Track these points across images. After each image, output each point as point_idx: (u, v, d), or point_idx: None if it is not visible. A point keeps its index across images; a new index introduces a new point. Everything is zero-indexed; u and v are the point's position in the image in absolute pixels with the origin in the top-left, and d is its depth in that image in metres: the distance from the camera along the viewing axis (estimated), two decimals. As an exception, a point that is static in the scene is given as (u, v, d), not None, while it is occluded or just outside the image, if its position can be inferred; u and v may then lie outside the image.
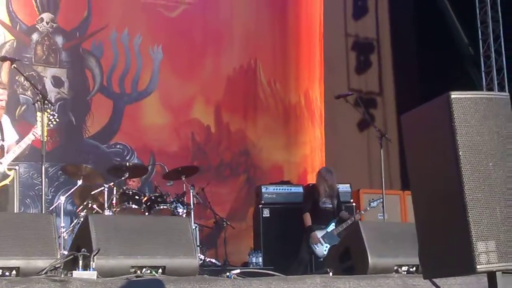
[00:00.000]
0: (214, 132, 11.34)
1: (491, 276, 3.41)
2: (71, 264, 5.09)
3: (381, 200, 8.31)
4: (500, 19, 11.73)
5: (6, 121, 6.74)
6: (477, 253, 3.25)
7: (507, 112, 3.56)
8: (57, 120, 6.75)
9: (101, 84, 10.54)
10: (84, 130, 10.26)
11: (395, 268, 5.98)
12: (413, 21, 13.29)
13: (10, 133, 6.75)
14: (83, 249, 5.07)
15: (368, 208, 8.87)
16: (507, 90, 11.27)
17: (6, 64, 9.08)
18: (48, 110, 6.70)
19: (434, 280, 3.70)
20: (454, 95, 3.45)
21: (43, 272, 4.86)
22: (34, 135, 6.51)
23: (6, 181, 6.54)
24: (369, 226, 6.18)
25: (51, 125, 6.70)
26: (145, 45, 10.92)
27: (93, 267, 4.98)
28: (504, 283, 3.42)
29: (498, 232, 3.31)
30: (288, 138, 12.07)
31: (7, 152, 6.60)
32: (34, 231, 5.11)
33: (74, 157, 9.68)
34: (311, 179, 10.96)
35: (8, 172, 6.54)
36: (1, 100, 6.59)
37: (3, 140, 6.61)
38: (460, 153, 3.37)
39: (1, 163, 6.47)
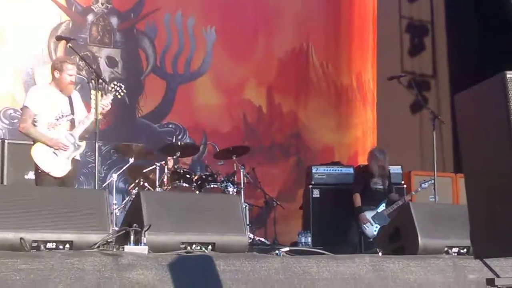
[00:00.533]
0: (266, 113, 11.37)
1: (544, 256, 3.37)
2: (122, 239, 5.15)
3: (432, 181, 8.21)
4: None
5: (77, 97, 6.86)
6: (531, 233, 3.21)
7: None
8: (124, 91, 6.85)
9: (154, 64, 10.64)
10: (137, 110, 10.38)
11: (446, 249, 5.92)
12: (467, 5, 13.07)
13: (80, 108, 6.87)
14: (134, 225, 5.12)
15: (419, 189, 8.80)
16: None
17: (62, 44, 9.21)
18: (114, 82, 6.84)
19: (486, 260, 3.67)
20: (510, 74, 3.40)
21: (95, 246, 4.93)
22: (102, 106, 6.60)
23: (78, 151, 6.67)
24: (420, 207, 6.13)
25: (119, 96, 6.80)
26: (198, 26, 10.99)
27: (144, 242, 5.04)
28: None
29: (553, 212, 3.27)
30: (340, 120, 12.04)
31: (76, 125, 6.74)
32: (88, 206, 5.19)
33: (127, 136, 9.80)
34: (362, 161, 10.90)
35: (79, 143, 6.67)
36: (71, 75, 6.67)
37: (73, 114, 6.72)
38: (515, 132, 3.33)
39: (72, 135, 6.59)
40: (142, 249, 4.94)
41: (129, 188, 8.56)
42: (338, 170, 9.82)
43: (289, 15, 11.82)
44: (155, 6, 10.69)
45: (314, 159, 11.12)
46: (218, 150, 9.09)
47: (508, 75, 3.39)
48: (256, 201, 9.82)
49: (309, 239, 8.94)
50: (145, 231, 5.06)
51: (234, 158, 8.96)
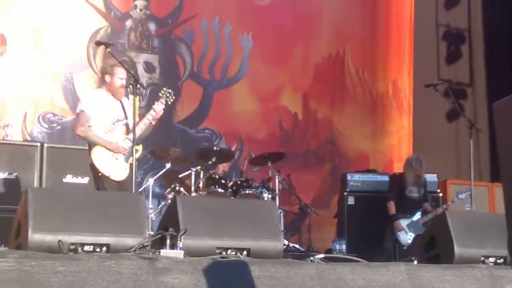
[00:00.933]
0: (301, 120, 11.38)
1: None
2: (159, 243, 5.18)
3: (470, 192, 8.15)
4: None
5: (127, 101, 6.93)
6: None
7: None
8: (174, 97, 6.94)
9: (191, 70, 10.72)
10: (174, 115, 10.45)
11: (482, 259, 5.86)
12: (506, 12, 12.95)
13: (131, 112, 6.93)
14: (170, 229, 5.15)
15: (456, 200, 8.74)
16: None
17: (101, 49, 9.33)
18: (164, 89, 6.92)
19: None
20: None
21: (132, 250, 4.97)
22: (155, 111, 6.70)
23: (136, 156, 6.64)
24: (456, 216, 6.08)
25: (169, 102, 6.89)
26: (235, 33, 11.05)
27: (180, 246, 5.06)
28: None
29: None
30: (375, 127, 12.00)
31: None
32: (124, 210, 5.23)
33: (163, 141, 9.85)
34: (397, 169, 10.86)
35: (137, 147, 6.67)
36: (122, 79, 6.74)
37: (126, 118, 6.78)
38: (554, 141, 3.29)
39: (129, 139, 6.64)
40: (178, 253, 4.96)
41: (165, 193, 8.62)
42: (373, 178, 9.79)
43: (326, 21, 11.84)
44: (193, 13, 10.77)
45: (349, 166, 11.11)
46: (253, 156, 9.11)
47: (548, 83, 3.36)
48: (290, 208, 9.83)
49: (344, 247, 8.92)
50: (181, 235, 5.07)
51: (269, 164, 8.98)
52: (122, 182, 6.58)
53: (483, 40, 13.00)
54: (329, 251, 9.05)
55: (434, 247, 6.05)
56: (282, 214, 8.76)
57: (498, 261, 5.90)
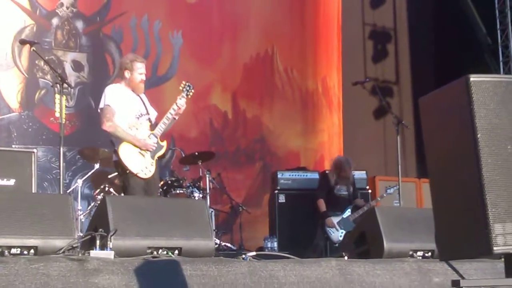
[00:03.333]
0: (231, 119, 11.38)
1: (508, 258, 3.41)
2: (88, 244, 5.10)
3: (398, 187, 8.30)
4: (519, 8, 11.65)
5: (144, 96, 6.87)
6: (494, 235, 3.25)
7: (526, 96, 3.55)
8: (193, 91, 6.88)
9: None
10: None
11: (410, 253, 5.96)
12: (430, 11, 13.23)
13: (151, 109, 6.89)
14: (100, 230, 5.08)
15: (385, 195, 8.88)
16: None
17: (26, 48, 9.13)
18: (184, 82, 6.88)
19: (451, 262, 3.71)
20: (473, 78, 3.45)
21: (60, 252, 4.87)
22: (177, 105, 6.69)
23: (162, 152, 6.71)
24: (385, 211, 6.16)
25: (189, 96, 6.86)
26: (165, 30, 10.97)
27: (110, 247, 5.00)
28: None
29: (515, 215, 3.31)
30: (305, 125, 12.09)
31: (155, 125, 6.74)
32: (52, 211, 5.12)
33: (93, 141, 9.68)
34: (329, 166, 10.94)
35: (162, 143, 6.68)
36: (141, 74, 6.67)
37: (148, 113, 6.72)
38: (478, 135, 3.37)
39: (154, 135, 6.61)
40: (108, 254, 4.89)
41: (94, 194, 8.50)
42: (304, 175, 9.87)
43: (254, 20, 11.86)
44: (121, 10, 10.64)
45: (280, 164, 11.16)
46: (183, 156, 9.07)
47: (471, 79, 3.43)
48: (222, 207, 9.83)
49: (275, 244, 8.96)
50: (111, 235, 5.01)
51: (200, 163, 8.95)
52: (148, 180, 6.53)
53: (408, 39, 13.25)
54: (260, 249, 9.07)
55: (364, 243, 6.12)
56: (213, 213, 8.76)
57: (426, 254, 6.01)
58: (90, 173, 8.55)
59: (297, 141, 11.91)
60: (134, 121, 6.60)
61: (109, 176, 8.34)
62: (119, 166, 6.54)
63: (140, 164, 6.50)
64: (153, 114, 6.88)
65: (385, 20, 13.21)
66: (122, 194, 7.92)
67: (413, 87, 13.05)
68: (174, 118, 6.77)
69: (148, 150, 6.54)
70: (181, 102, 6.73)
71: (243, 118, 11.53)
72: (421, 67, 12.98)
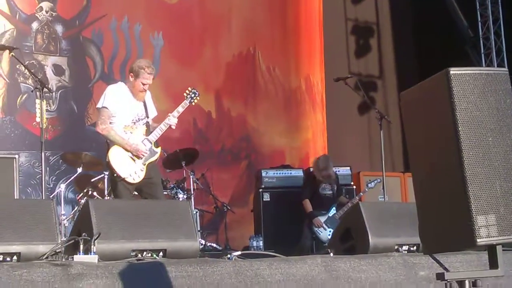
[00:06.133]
0: (215, 118, 11.35)
1: (492, 249, 3.40)
2: (72, 249, 5.08)
3: (379, 180, 8.31)
4: (499, 1, 11.67)
5: (149, 98, 6.79)
6: (477, 227, 3.24)
7: (506, 87, 3.55)
8: (198, 98, 6.92)
9: (102, 71, 10.54)
10: (86, 118, 10.27)
11: (396, 247, 5.98)
12: (412, 5, 13.26)
13: (152, 110, 6.83)
14: (84, 234, 5.05)
15: (367, 189, 8.89)
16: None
17: (6, 53, 9.06)
18: (189, 88, 6.88)
19: (435, 255, 3.70)
20: (453, 71, 3.44)
21: (44, 257, 4.85)
22: (178, 112, 6.70)
23: (154, 158, 6.66)
24: (370, 207, 6.18)
25: (193, 103, 6.91)
26: (145, 32, 10.93)
27: (94, 251, 4.97)
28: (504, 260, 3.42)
29: (498, 206, 3.31)
30: (289, 123, 12.08)
31: (152, 129, 6.71)
32: (34, 217, 5.09)
33: (76, 145, 9.70)
34: (314, 163, 10.98)
35: (156, 149, 6.62)
36: (145, 85, 6.59)
37: (148, 117, 6.68)
38: (459, 128, 3.37)
39: (148, 140, 6.56)
40: (92, 258, 4.87)
41: (78, 198, 8.44)
42: (288, 173, 9.86)
43: (235, 19, 11.84)
44: (101, 13, 10.60)
45: (265, 162, 11.15)
46: (165, 155, 9.02)
47: (451, 72, 3.42)
48: (207, 207, 9.79)
49: (261, 243, 8.96)
50: (95, 239, 4.98)
51: (183, 164, 8.91)
52: (137, 184, 6.50)
53: (391, 33, 13.27)
54: (246, 248, 9.06)
55: (350, 238, 6.13)
56: (198, 214, 8.73)
57: (412, 248, 6.02)
58: (73, 177, 8.49)
59: (281, 139, 11.90)
60: (130, 124, 6.56)
61: (92, 180, 8.31)
62: (109, 168, 6.53)
63: (129, 168, 6.47)
64: (153, 115, 6.83)
65: (367, 15, 13.22)
66: (108, 197, 7.94)
67: (398, 80, 13.07)
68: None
69: (138, 156, 6.49)
70: (181, 109, 6.73)
71: (228, 117, 11.51)
72: (405, 60, 13.01)
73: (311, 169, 9.64)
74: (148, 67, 6.60)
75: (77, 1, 10.55)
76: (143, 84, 6.59)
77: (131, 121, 6.57)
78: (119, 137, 6.47)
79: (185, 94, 6.85)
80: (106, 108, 6.48)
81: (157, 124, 6.73)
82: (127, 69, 10.55)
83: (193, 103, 6.91)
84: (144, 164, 6.54)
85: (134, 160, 6.50)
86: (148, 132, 6.66)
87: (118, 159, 6.44)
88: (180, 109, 6.74)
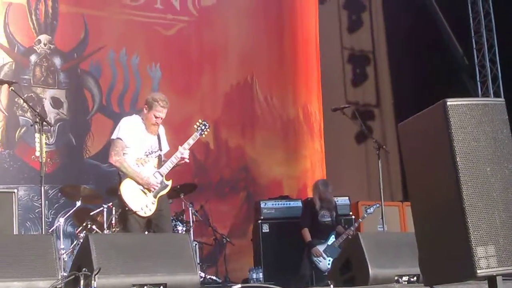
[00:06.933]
0: (213, 149, 11.33)
1: (492, 280, 3.41)
2: (72, 285, 5.07)
3: (378, 205, 8.28)
4: (494, 28, 11.74)
5: (162, 132, 6.82)
6: (477, 258, 3.26)
7: (503, 117, 3.58)
8: (208, 130, 6.93)
9: (100, 104, 10.55)
10: (85, 151, 10.26)
11: (396, 278, 5.95)
12: (408, 33, 13.32)
13: (165, 144, 6.84)
14: (84, 269, 5.05)
15: (366, 215, 8.84)
16: (502, 98, 11.22)
17: (5, 86, 9.10)
18: (200, 120, 6.89)
19: (436, 287, 3.70)
20: (450, 102, 3.47)
21: (44, 293, 4.84)
22: (189, 144, 6.72)
23: (165, 190, 6.66)
24: (369, 237, 6.16)
25: (203, 136, 6.95)
26: (143, 64, 10.95)
27: (95, 286, 4.96)
28: (504, 289, 3.42)
29: (497, 237, 3.33)
30: (287, 152, 12.06)
31: (163, 162, 6.71)
32: (34, 252, 5.09)
33: (75, 178, 9.67)
34: (312, 193, 10.94)
35: (167, 182, 6.63)
36: (158, 118, 6.61)
37: (161, 150, 6.69)
38: (457, 159, 3.39)
39: (159, 173, 6.58)
40: (93, 293, 4.86)
41: (77, 232, 8.41)
42: (287, 204, 9.83)
43: (232, 49, 11.87)
44: (99, 45, 10.62)
45: (263, 193, 11.10)
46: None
47: (448, 103, 3.46)
48: (206, 239, 9.73)
49: (261, 275, 8.89)
50: (95, 275, 4.98)
51: (182, 196, 8.90)
52: (148, 218, 6.49)
53: (387, 61, 13.32)
54: (246, 280, 9.00)
55: (350, 269, 6.10)
56: (197, 246, 8.70)
57: (412, 279, 5.99)
58: (72, 211, 8.47)
59: (279, 169, 11.87)
60: (143, 157, 6.58)
61: (91, 213, 8.28)
62: (120, 201, 6.52)
63: (141, 202, 6.48)
64: (166, 149, 6.85)
65: (363, 44, 13.28)
66: (107, 231, 7.91)
67: (395, 108, 13.09)
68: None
69: (149, 190, 6.49)
70: (192, 142, 6.75)
71: (226, 147, 11.50)
72: (402, 88, 13.03)
73: (310, 196, 9.62)
74: (162, 101, 6.62)
75: (75, 33, 10.56)
76: (156, 117, 6.60)
77: (143, 154, 6.59)
78: (132, 170, 6.48)
79: (195, 126, 6.87)
80: (121, 139, 6.50)
81: (167, 159, 6.73)
82: (125, 101, 10.69)
83: (204, 135, 6.94)
84: (155, 197, 6.55)
85: (146, 194, 6.50)
86: (160, 165, 6.66)
87: (130, 193, 6.45)
88: (191, 141, 6.76)
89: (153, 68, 11.05)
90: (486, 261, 3.27)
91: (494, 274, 3.32)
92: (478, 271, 3.25)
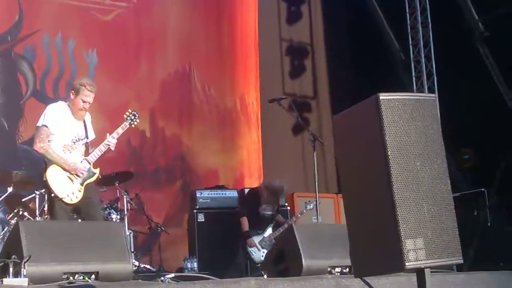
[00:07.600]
0: (149, 137, 11.26)
1: (420, 273, 3.47)
2: (1, 272, 4.98)
3: (317, 202, 8.35)
4: (430, 24, 11.92)
5: (89, 120, 6.78)
6: (406, 251, 3.30)
7: (434, 113, 3.64)
8: (138, 121, 6.89)
9: (34, 88, 10.35)
10: (18, 136, 10.06)
11: (329, 269, 6.03)
12: (346, 27, 13.45)
13: (91, 132, 6.82)
14: (13, 256, 4.97)
15: (305, 211, 8.88)
16: (436, 94, 11.44)
17: None
18: (129, 110, 6.85)
19: (366, 278, 3.75)
20: (383, 96, 3.51)
21: (-29, 281, 4.76)
22: (118, 134, 6.67)
23: (93, 178, 6.62)
24: (303, 229, 6.23)
25: (133, 125, 6.87)
26: (79, 49, 10.79)
27: (24, 274, 4.89)
28: (432, 282, 3.48)
29: (426, 230, 3.38)
30: (224, 142, 12.06)
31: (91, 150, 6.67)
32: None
33: (7, 163, 9.47)
34: (248, 183, 10.98)
35: (94, 170, 6.59)
36: (85, 102, 6.60)
37: (87, 138, 6.64)
38: (388, 153, 3.43)
39: (87, 160, 6.53)
40: (22, 281, 4.79)
41: (8, 218, 8.25)
42: (222, 194, 9.85)
43: (171, 37, 11.80)
44: (34, 29, 10.42)
45: (200, 182, 11.10)
46: (100, 177, 8.92)
47: (381, 97, 3.49)
48: (141, 228, 9.68)
49: (195, 265, 8.90)
50: (25, 262, 4.90)
51: (117, 184, 8.82)
52: (77, 206, 6.43)
53: (325, 54, 13.41)
54: (180, 270, 8.99)
55: (283, 261, 6.15)
56: (132, 235, 8.64)
57: (344, 270, 6.09)
58: (3, 197, 8.30)
59: (216, 159, 11.87)
60: (70, 144, 6.54)
61: (23, 200, 8.13)
62: (46, 187, 6.48)
63: (67, 188, 6.44)
64: (92, 137, 6.84)
65: (302, 36, 13.34)
66: (39, 218, 7.78)
67: (332, 101, 13.19)
68: (110, 149, 6.76)
69: (77, 175, 6.43)
70: (121, 131, 6.72)
71: (162, 136, 11.43)
72: (339, 81, 13.14)
73: (250, 188, 9.61)
74: (89, 85, 6.64)
75: (8, 16, 10.33)
76: (83, 102, 6.59)
77: (70, 141, 6.56)
78: (57, 156, 6.45)
79: (125, 116, 6.84)
80: (46, 126, 6.47)
81: (94, 147, 6.69)
82: (60, 86, 10.51)
83: (133, 125, 6.92)
84: (82, 185, 6.51)
85: (72, 181, 6.47)
86: (87, 153, 6.65)
87: (56, 179, 6.40)
88: (120, 130, 6.74)
89: (89, 54, 10.90)
90: (414, 253, 3.32)
91: (423, 266, 3.38)
92: (407, 264, 3.29)
